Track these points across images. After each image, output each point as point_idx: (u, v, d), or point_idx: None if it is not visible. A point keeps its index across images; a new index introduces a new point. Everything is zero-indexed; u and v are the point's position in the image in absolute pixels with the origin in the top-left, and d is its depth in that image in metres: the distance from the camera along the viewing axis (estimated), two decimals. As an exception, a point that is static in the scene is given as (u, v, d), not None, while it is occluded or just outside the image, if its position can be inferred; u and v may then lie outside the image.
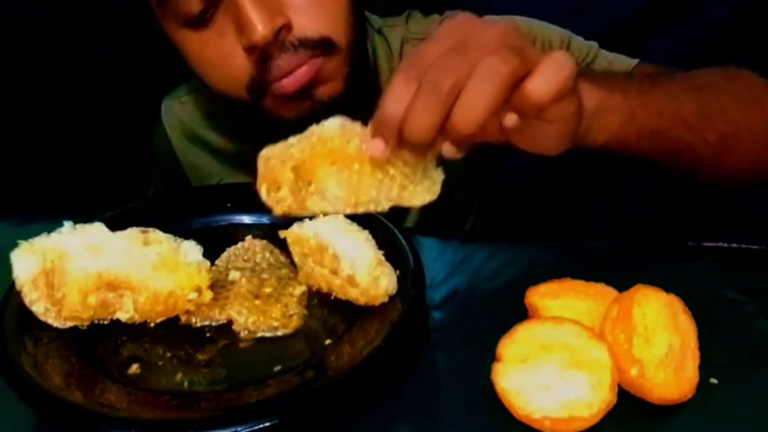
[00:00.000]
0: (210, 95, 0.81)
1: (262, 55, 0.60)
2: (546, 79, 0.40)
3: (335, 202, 0.45)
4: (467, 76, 0.39)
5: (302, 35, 0.60)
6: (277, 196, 0.46)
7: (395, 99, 0.40)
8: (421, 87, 0.40)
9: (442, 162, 0.45)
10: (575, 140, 0.48)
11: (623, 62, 0.74)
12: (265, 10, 0.58)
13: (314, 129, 0.45)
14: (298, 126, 0.64)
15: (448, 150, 0.42)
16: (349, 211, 0.46)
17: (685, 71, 0.61)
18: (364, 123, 0.44)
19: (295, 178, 0.45)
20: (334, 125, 0.44)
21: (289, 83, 0.61)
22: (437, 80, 0.39)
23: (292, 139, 0.45)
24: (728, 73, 0.60)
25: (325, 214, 0.48)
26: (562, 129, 0.46)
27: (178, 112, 0.84)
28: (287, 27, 0.60)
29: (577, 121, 0.46)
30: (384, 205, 0.46)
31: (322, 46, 0.61)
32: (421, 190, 0.45)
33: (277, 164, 0.45)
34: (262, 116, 0.66)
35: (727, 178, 0.62)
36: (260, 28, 0.58)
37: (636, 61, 0.73)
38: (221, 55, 0.62)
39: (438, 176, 0.45)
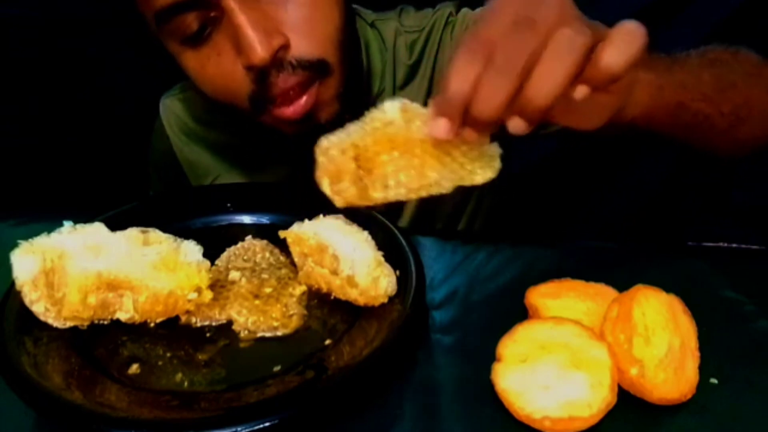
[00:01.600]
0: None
1: (260, 73, 0.61)
2: (621, 50, 0.39)
3: (397, 188, 0.44)
4: (540, 50, 0.39)
5: (299, 56, 0.61)
6: (338, 188, 0.45)
7: (462, 77, 0.40)
8: (494, 63, 0.39)
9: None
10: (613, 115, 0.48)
11: None
12: (263, 31, 0.59)
13: (374, 113, 0.44)
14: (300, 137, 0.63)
15: (516, 125, 0.41)
16: (412, 197, 0.45)
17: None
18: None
19: (356, 166, 0.44)
20: (393, 108, 0.43)
21: (291, 111, 0.63)
22: (511, 56, 0.39)
23: (351, 127, 0.44)
24: (731, 50, 0.62)
25: (388, 201, 0.46)
26: (615, 102, 0.46)
27: (176, 110, 0.84)
28: (285, 47, 0.61)
29: (628, 94, 0.47)
30: (446, 187, 0.45)
31: (318, 67, 0.62)
32: (480, 168, 0.44)
33: (338, 155, 0.44)
34: (261, 124, 0.67)
35: (739, 149, 0.63)
36: (259, 50, 0.58)
37: None
38: (220, 72, 0.63)
39: (495, 151, 0.44)
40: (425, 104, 0.44)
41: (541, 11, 0.39)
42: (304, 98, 0.62)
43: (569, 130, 0.77)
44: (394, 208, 0.81)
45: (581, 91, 0.41)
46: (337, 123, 0.49)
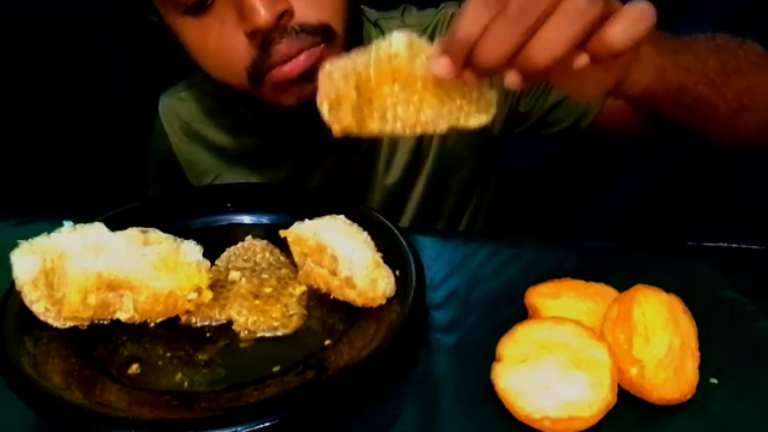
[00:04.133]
0: (210, 89, 0.81)
1: (263, 40, 0.61)
2: (627, 28, 0.40)
3: (394, 122, 0.45)
4: (551, 9, 0.39)
5: (303, 21, 0.61)
6: (337, 114, 0.45)
7: (473, 19, 0.40)
8: (506, 11, 0.39)
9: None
10: (613, 88, 0.49)
11: None
12: None
13: (381, 44, 0.44)
14: (299, 115, 0.62)
15: (512, 79, 0.41)
16: (407, 132, 0.45)
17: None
18: None
19: (357, 95, 0.44)
20: (401, 40, 0.44)
21: (288, 68, 0.62)
22: (524, 7, 0.39)
23: (356, 54, 0.44)
24: (737, 40, 0.62)
25: (382, 134, 0.46)
26: (614, 75, 0.46)
27: (176, 109, 0.84)
28: (289, 13, 0.61)
29: (627, 69, 0.47)
30: (442, 127, 0.45)
31: (322, 32, 0.62)
32: (476, 111, 0.45)
33: (340, 80, 0.44)
34: (262, 105, 0.66)
35: (739, 138, 0.63)
36: (263, 12, 0.59)
37: None
38: (222, 42, 0.63)
39: (492, 96, 0.45)
40: None
41: None
42: (304, 55, 0.62)
43: (570, 132, 0.77)
44: (397, 205, 0.81)
45: (581, 60, 0.41)
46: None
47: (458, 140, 0.78)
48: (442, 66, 0.42)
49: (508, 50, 0.40)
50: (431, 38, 0.78)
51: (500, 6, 0.39)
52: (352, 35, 0.66)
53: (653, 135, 0.72)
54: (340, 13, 0.64)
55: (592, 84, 0.47)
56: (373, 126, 0.45)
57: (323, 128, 0.46)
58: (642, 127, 0.71)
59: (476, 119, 0.45)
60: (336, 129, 0.45)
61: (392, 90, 0.44)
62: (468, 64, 0.41)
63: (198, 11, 0.62)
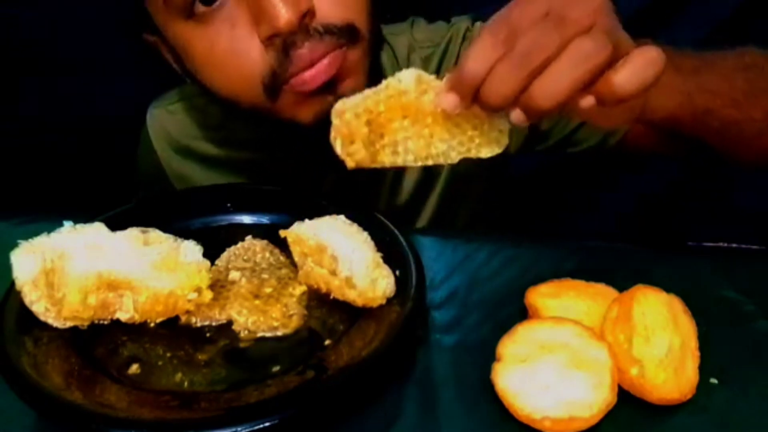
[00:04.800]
0: (203, 103, 0.77)
1: (284, 44, 0.55)
2: (635, 74, 0.39)
3: (406, 155, 0.46)
4: (559, 52, 0.39)
5: (327, 21, 0.56)
6: (350, 150, 0.46)
7: (480, 58, 0.40)
8: (512, 53, 0.39)
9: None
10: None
11: None
12: None
13: (390, 81, 0.45)
14: (312, 131, 0.59)
15: (517, 117, 0.41)
16: (419, 164, 0.46)
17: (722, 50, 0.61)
18: None
19: (369, 131, 0.45)
20: (409, 77, 0.44)
21: (311, 76, 0.57)
22: (529, 50, 0.39)
23: (367, 92, 0.45)
24: (766, 55, 0.60)
25: (395, 166, 0.48)
26: (627, 114, 0.46)
27: (164, 122, 0.80)
28: (311, 13, 0.55)
29: (643, 101, 0.46)
30: (453, 158, 0.46)
31: (347, 33, 0.57)
32: (488, 142, 0.46)
33: (352, 118, 0.45)
34: (271, 122, 0.62)
35: (765, 157, 0.61)
36: (285, 12, 0.53)
37: None
38: (233, 49, 0.57)
39: (505, 126, 0.45)
40: None
41: (576, 10, 0.39)
42: (327, 59, 0.56)
43: (596, 151, 0.74)
44: (413, 208, 0.79)
45: (587, 102, 0.41)
46: None
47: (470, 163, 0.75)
48: (450, 101, 0.42)
49: (513, 93, 0.40)
50: (444, 55, 0.76)
51: (507, 46, 0.39)
52: (376, 36, 0.63)
53: (684, 153, 0.69)
54: (365, 9, 0.59)
55: (604, 120, 0.47)
56: (385, 159, 0.47)
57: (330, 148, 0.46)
58: (671, 146, 0.68)
59: (488, 150, 0.46)
60: (349, 163, 0.47)
61: (402, 125, 0.45)
62: (476, 99, 0.42)
63: (204, 16, 0.57)
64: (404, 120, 0.45)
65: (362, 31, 0.59)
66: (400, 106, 0.45)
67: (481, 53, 0.40)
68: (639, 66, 0.39)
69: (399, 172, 0.77)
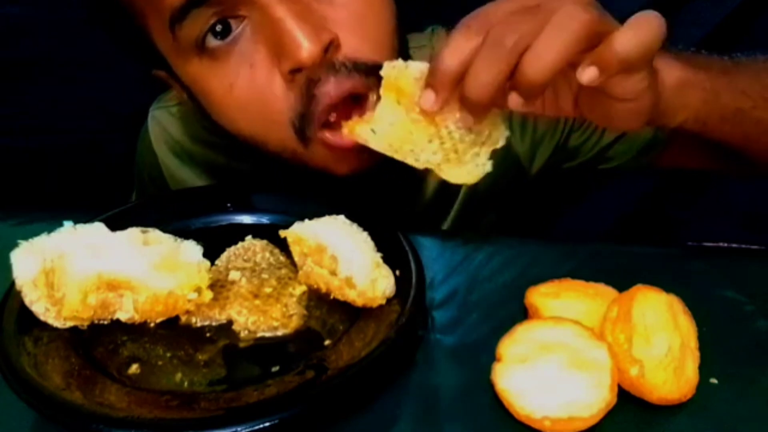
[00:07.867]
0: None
1: (307, 81, 0.52)
2: (636, 33, 0.38)
3: (380, 138, 0.46)
4: (537, 31, 0.37)
5: (355, 57, 0.52)
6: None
7: (454, 51, 0.39)
8: (487, 40, 0.38)
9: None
10: (654, 117, 0.46)
11: None
12: (309, 24, 0.49)
13: (398, 63, 0.45)
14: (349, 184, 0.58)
15: (514, 101, 0.40)
16: (388, 153, 0.46)
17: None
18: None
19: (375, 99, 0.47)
20: (419, 67, 0.44)
21: (337, 138, 0.53)
22: (503, 33, 0.38)
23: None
24: None
25: (367, 145, 0.47)
26: (636, 106, 0.44)
27: (166, 124, 0.78)
28: (335, 44, 0.51)
29: (652, 98, 0.45)
30: (421, 163, 0.46)
31: (375, 71, 0.50)
32: (461, 169, 0.46)
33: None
34: (306, 171, 0.58)
35: None
36: (307, 44, 0.48)
37: None
38: (254, 88, 0.53)
39: (485, 164, 0.45)
40: None
41: (552, 2, 0.39)
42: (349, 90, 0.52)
43: (629, 167, 0.71)
44: (439, 210, 0.75)
45: (590, 74, 0.39)
46: (390, 165, 0.47)
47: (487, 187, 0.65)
48: (426, 98, 0.41)
49: (494, 80, 0.39)
50: None
51: (481, 36, 0.39)
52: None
53: (736, 172, 0.65)
54: (391, 50, 0.55)
55: (620, 118, 0.45)
56: (362, 133, 0.47)
57: (377, 175, 0.47)
58: (709, 160, 0.65)
59: (456, 176, 0.46)
60: (344, 129, 0.49)
61: (392, 107, 0.46)
62: (462, 103, 0.41)
63: (219, 54, 0.52)
64: (396, 104, 0.45)
65: None
66: (397, 87, 0.44)
67: (454, 46, 0.39)
68: (640, 27, 0.38)
69: (419, 178, 0.72)
